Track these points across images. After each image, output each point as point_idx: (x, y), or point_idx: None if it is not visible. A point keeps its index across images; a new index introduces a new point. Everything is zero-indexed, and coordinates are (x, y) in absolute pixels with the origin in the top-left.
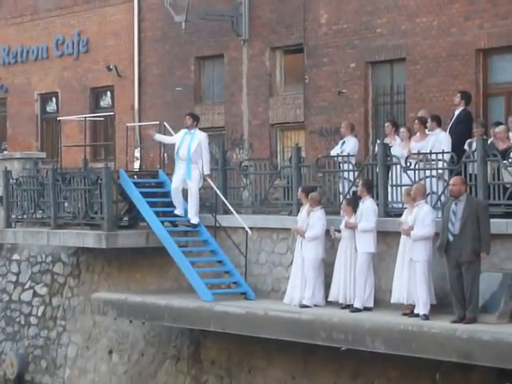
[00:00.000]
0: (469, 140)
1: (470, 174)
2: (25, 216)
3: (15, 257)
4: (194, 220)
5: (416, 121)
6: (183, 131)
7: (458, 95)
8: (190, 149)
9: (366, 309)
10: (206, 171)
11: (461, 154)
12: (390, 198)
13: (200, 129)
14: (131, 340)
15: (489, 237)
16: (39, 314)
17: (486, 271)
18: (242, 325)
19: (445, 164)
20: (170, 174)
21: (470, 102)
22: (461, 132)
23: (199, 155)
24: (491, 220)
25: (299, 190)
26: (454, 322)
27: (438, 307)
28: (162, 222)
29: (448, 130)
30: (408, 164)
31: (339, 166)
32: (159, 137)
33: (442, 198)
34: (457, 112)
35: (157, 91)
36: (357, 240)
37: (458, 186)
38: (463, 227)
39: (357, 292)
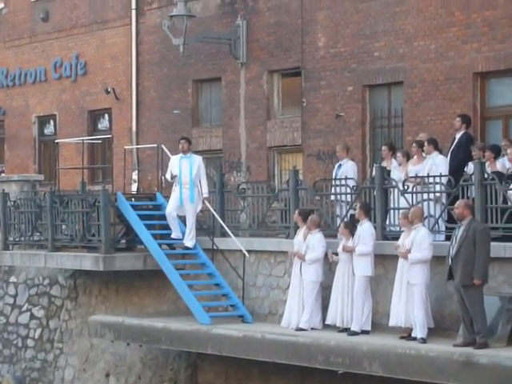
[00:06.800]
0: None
1: (473, 198)
2: (22, 238)
3: (12, 279)
4: (189, 243)
5: (413, 144)
6: (178, 156)
7: (459, 119)
8: (192, 173)
9: (364, 332)
10: (205, 194)
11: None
12: (387, 222)
13: (197, 152)
14: (128, 363)
15: (483, 262)
16: (36, 337)
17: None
18: (240, 348)
19: (442, 187)
20: (167, 197)
21: (471, 125)
22: (462, 156)
23: (198, 179)
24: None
25: (295, 212)
26: (457, 345)
27: (436, 330)
28: (160, 245)
29: (449, 154)
30: (405, 187)
31: (335, 190)
32: (169, 177)
33: (440, 221)
34: (458, 136)
35: (154, 114)
36: (354, 263)
37: (461, 209)
38: (457, 251)
39: (354, 315)
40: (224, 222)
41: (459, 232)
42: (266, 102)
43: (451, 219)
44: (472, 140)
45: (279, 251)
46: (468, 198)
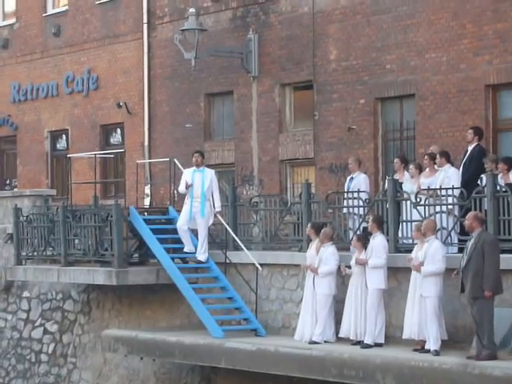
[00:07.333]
0: (482, 175)
1: (486, 210)
2: (35, 253)
3: (25, 294)
4: (202, 257)
5: (426, 156)
6: (191, 170)
7: (471, 131)
8: (204, 186)
9: (377, 345)
10: (218, 208)
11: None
12: (400, 234)
13: (209, 165)
14: (142, 377)
15: (493, 274)
16: (50, 352)
17: (496, 307)
18: (253, 361)
19: (454, 200)
20: (180, 211)
21: (483, 137)
22: (475, 168)
23: (211, 192)
24: (502, 255)
25: (308, 225)
26: (471, 357)
27: (449, 343)
28: (173, 259)
29: (461, 166)
30: (418, 200)
31: (348, 202)
32: (183, 189)
33: (452, 233)
34: (470, 148)
35: (167, 128)
36: (367, 276)
37: (470, 221)
38: (467, 263)
39: (367, 328)
40: (237, 235)
41: (469, 245)
42: (278, 115)
43: (464, 231)
44: (484, 152)
45: (292, 264)
46: (481, 210)
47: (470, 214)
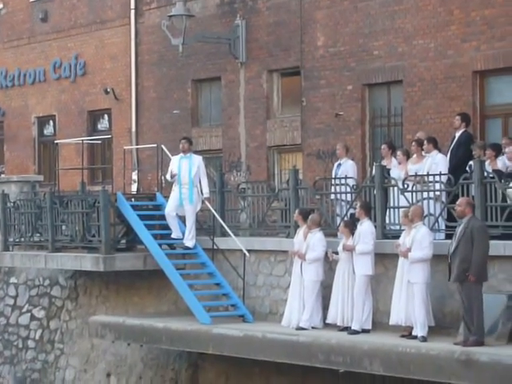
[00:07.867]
0: (470, 162)
1: (473, 197)
2: (22, 239)
3: (13, 280)
4: (189, 243)
5: (413, 143)
6: (178, 156)
7: (458, 118)
8: (191, 173)
9: (364, 331)
10: (206, 194)
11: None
12: (387, 220)
13: (197, 151)
14: (129, 363)
15: (480, 260)
16: (37, 338)
17: (483, 293)
18: (240, 347)
19: (442, 186)
20: (167, 197)
21: (470, 123)
22: (462, 154)
23: (198, 178)
24: (490, 242)
25: (296, 212)
26: (458, 344)
27: (437, 329)
28: (160, 245)
29: (449, 153)
30: (405, 186)
31: (335, 189)
32: (169, 177)
33: (440, 219)
34: (457, 134)
35: (154, 114)
36: (355, 262)
37: (463, 207)
38: (455, 248)
39: (355, 314)
40: (224, 221)
41: (458, 230)
42: (266, 101)
43: (451, 218)
44: (472, 138)
45: (279, 250)
46: (468, 196)
47: (463, 200)
